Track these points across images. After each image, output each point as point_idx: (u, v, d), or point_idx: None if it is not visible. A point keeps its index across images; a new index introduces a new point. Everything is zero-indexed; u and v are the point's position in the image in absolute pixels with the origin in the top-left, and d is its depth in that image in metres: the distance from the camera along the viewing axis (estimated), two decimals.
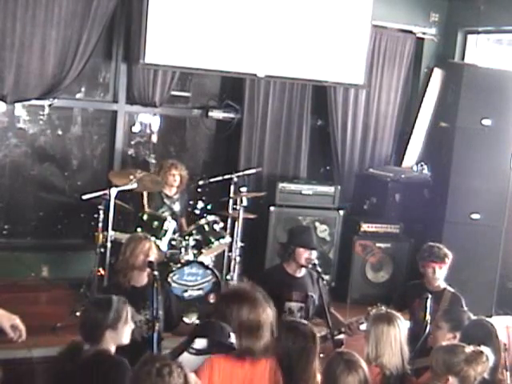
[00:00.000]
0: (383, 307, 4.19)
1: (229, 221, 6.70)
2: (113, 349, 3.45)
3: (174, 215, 6.34)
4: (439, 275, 5.04)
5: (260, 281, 5.16)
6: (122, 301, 3.52)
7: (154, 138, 7.34)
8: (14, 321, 3.15)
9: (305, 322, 3.80)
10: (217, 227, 6.21)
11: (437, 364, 3.53)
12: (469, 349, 3.50)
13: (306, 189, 7.12)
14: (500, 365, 3.92)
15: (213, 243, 6.12)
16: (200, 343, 3.23)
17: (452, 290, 5.07)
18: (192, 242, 6.07)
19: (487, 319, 4.30)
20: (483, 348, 3.52)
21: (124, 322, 3.46)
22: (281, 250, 5.11)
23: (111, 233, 5.70)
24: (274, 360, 3.47)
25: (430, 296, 4.69)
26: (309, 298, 4.81)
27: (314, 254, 4.81)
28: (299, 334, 3.57)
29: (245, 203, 6.42)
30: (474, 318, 4.38)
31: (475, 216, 6.74)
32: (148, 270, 4.43)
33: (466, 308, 4.89)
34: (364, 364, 3.38)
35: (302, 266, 4.80)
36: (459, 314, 4.46)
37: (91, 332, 3.38)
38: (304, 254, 4.76)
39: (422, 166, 7.52)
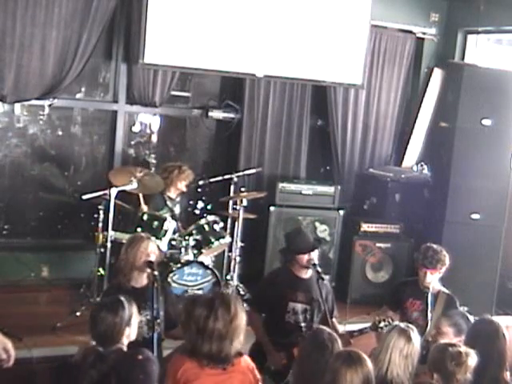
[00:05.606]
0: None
1: (229, 221, 6.71)
2: (126, 344, 3.54)
3: (174, 217, 6.33)
4: (430, 279, 4.89)
5: (265, 281, 5.21)
6: (127, 297, 3.62)
7: (154, 138, 7.34)
8: (7, 345, 3.23)
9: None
10: (217, 227, 6.20)
11: (429, 361, 3.62)
12: (456, 348, 3.53)
13: (306, 189, 7.12)
14: (504, 363, 3.93)
15: (213, 243, 6.12)
16: None
17: (447, 291, 4.98)
18: (192, 242, 6.07)
19: (493, 318, 4.30)
20: (469, 349, 3.55)
21: (134, 317, 3.57)
22: (282, 258, 5.13)
23: (111, 233, 5.71)
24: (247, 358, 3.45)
25: (429, 292, 4.72)
26: (314, 301, 4.79)
27: (315, 252, 4.79)
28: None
29: (245, 203, 6.43)
30: (466, 315, 4.42)
31: (475, 216, 6.74)
32: (148, 270, 4.43)
33: (460, 309, 4.88)
34: (369, 362, 3.34)
35: (304, 266, 4.79)
36: (460, 317, 4.45)
37: (112, 336, 3.44)
38: (304, 258, 4.76)
39: (422, 165, 7.51)
